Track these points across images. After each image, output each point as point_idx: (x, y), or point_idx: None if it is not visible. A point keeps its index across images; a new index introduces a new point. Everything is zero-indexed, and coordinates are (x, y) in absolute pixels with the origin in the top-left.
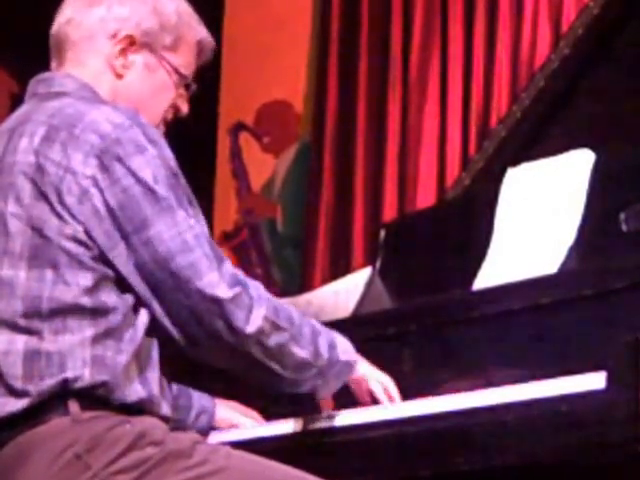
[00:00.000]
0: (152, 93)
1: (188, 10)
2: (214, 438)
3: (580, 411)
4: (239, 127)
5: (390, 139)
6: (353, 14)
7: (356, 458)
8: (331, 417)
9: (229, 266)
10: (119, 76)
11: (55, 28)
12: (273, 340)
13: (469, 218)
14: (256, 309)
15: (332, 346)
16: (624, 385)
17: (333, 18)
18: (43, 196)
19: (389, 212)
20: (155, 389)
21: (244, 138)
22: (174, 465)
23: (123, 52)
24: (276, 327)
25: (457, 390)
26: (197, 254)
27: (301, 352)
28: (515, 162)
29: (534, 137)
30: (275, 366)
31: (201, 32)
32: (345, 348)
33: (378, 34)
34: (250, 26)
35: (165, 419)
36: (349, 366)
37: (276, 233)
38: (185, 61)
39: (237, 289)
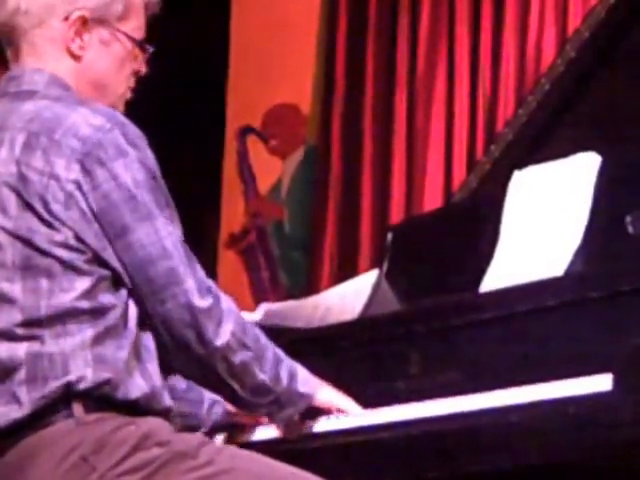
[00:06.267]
0: (114, 67)
1: None
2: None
3: (587, 413)
4: (246, 130)
5: (397, 142)
6: (360, 18)
7: (363, 460)
8: (337, 419)
9: (202, 274)
10: (77, 58)
11: (1, 19)
12: (238, 357)
13: (476, 221)
14: (225, 323)
15: (292, 376)
16: (631, 387)
17: (340, 22)
18: (29, 206)
19: (396, 215)
20: (157, 380)
21: (251, 141)
22: (180, 466)
23: (78, 33)
24: (242, 344)
25: (463, 392)
26: (175, 261)
27: (262, 375)
28: (521, 165)
29: (540, 140)
30: (235, 385)
31: None
32: (305, 379)
33: (385, 37)
34: (257, 30)
35: (167, 411)
36: (306, 397)
37: (283, 236)
38: (136, 25)
39: (210, 300)
